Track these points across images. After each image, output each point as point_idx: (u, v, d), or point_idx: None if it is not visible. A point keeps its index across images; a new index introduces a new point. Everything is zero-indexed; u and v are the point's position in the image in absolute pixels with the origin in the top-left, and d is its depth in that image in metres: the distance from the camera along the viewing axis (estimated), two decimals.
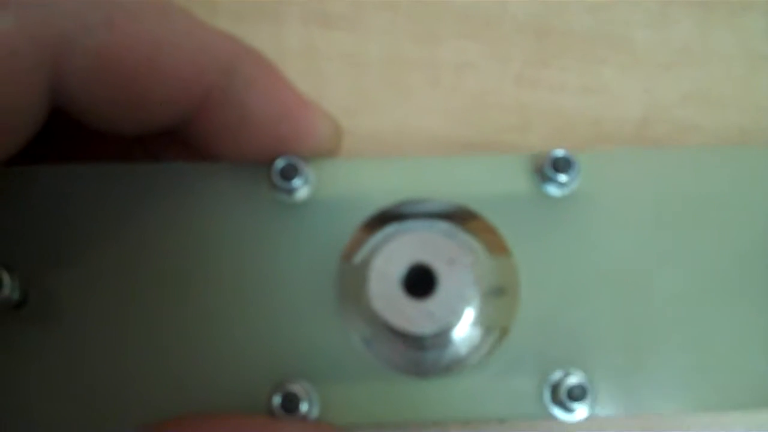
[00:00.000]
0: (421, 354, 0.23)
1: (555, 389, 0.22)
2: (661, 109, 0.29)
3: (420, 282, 0.21)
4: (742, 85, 0.29)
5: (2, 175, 0.23)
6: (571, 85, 0.29)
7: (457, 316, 0.20)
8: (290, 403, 0.22)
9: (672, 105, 0.29)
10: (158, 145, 0.25)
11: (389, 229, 0.23)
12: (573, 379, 0.22)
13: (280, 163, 0.23)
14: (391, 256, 0.21)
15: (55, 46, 0.19)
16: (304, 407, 0.22)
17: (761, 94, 0.28)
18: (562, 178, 0.23)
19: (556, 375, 0.22)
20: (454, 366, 0.23)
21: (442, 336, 0.22)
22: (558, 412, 0.22)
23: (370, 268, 0.21)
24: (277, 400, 0.22)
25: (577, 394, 0.22)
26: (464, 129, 0.30)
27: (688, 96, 0.29)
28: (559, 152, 0.23)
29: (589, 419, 0.22)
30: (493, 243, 0.23)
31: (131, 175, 0.23)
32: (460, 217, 0.23)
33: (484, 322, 0.23)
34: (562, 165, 0.23)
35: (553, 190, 0.23)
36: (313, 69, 0.30)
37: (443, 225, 0.23)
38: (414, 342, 0.22)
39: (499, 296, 0.23)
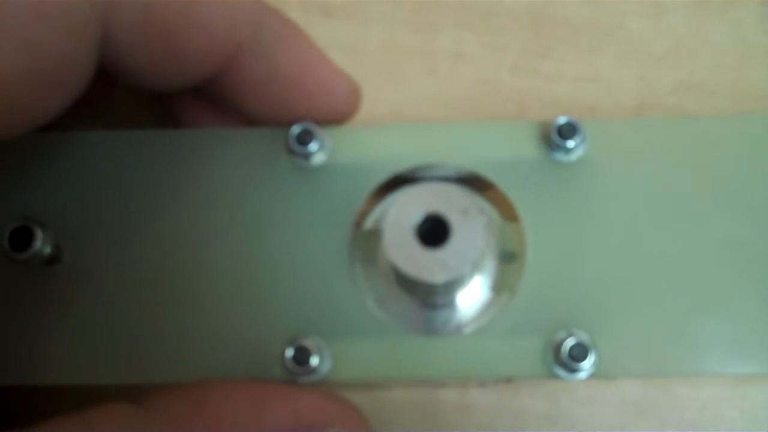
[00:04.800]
0: (431, 314, 0.23)
1: (557, 349, 0.23)
2: (655, 97, 0.29)
3: (434, 232, 0.21)
4: (734, 74, 0.29)
5: (39, 140, 0.24)
6: (567, 73, 0.30)
7: (469, 265, 0.21)
8: (302, 356, 0.22)
9: (666, 93, 0.29)
10: (185, 108, 0.26)
11: (399, 191, 0.24)
12: (574, 339, 0.22)
13: (296, 129, 0.24)
14: (406, 207, 0.21)
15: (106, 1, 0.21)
16: (314, 361, 0.22)
17: (753, 84, 0.29)
18: (570, 143, 0.23)
19: (560, 335, 0.23)
20: (462, 327, 0.23)
21: (453, 293, 0.22)
22: (561, 372, 0.23)
23: (385, 218, 0.21)
24: (289, 352, 0.22)
25: (577, 354, 0.22)
26: (461, 116, 0.30)
27: (681, 85, 0.29)
28: (563, 119, 0.23)
29: (592, 379, 0.23)
30: (504, 210, 0.24)
31: (158, 141, 0.24)
32: (471, 184, 0.24)
33: (494, 286, 0.24)
34: (567, 131, 0.23)
35: (560, 156, 0.24)
36: None
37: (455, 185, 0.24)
38: (426, 299, 0.23)
39: (510, 261, 0.24)
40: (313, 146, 0.24)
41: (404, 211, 0.21)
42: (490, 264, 0.24)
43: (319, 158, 0.24)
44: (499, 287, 0.24)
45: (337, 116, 0.24)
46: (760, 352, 0.23)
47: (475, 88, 0.30)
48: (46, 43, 0.20)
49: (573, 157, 0.24)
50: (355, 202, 0.24)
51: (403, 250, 0.21)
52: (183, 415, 0.20)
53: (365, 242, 0.24)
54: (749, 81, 0.29)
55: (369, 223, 0.24)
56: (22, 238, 0.23)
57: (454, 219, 0.21)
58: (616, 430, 0.26)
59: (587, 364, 0.22)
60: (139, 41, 0.21)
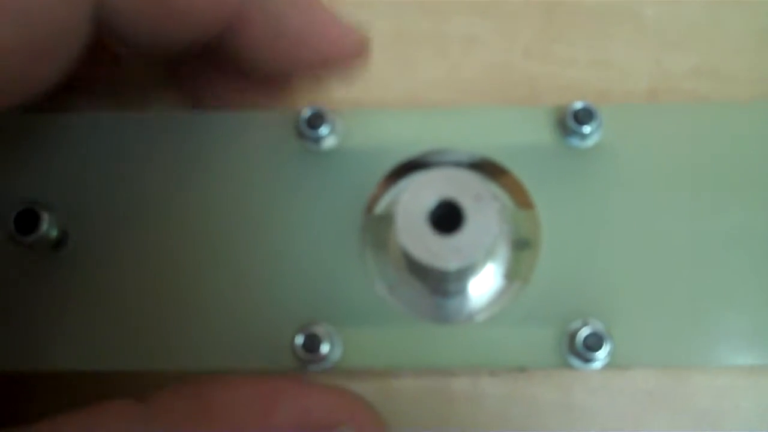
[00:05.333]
0: (443, 301, 0.23)
1: (572, 339, 0.22)
2: (669, 81, 0.29)
3: (447, 218, 0.20)
4: (750, 59, 0.29)
5: (48, 121, 0.24)
6: (579, 59, 0.29)
7: (482, 252, 0.20)
8: (312, 344, 0.22)
9: (680, 78, 0.29)
10: (191, 75, 0.26)
11: (412, 176, 0.24)
12: (590, 329, 0.22)
13: (307, 112, 0.23)
14: (419, 192, 0.20)
15: None
16: (325, 348, 0.22)
17: None
18: (585, 129, 0.23)
19: (575, 325, 0.22)
20: (474, 315, 0.23)
21: (465, 280, 0.22)
22: (575, 362, 0.22)
23: (397, 204, 0.20)
24: (299, 339, 0.22)
25: (592, 343, 0.22)
26: (472, 100, 0.29)
27: (696, 69, 0.29)
28: (579, 104, 0.23)
29: (606, 369, 0.22)
30: (518, 197, 0.24)
31: (167, 125, 0.24)
32: (484, 169, 0.24)
33: (507, 273, 0.23)
34: (583, 116, 0.23)
35: (575, 142, 0.23)
36: None
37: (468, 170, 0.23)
38: (437, 285, 0.23)
39: (523, 249, 0.23)
40: (323, 130, 0.23)
41: (417, 197, 0.20)
42: (503, 251, 0.23)
43: (329, 142, 0.24)
44: (512, 275, 0.23)
45: (347, 66, 0.24)
46: None
47: (487, 73, 0.30)
48: (41, 9, 0.19)
49: (589, 143, 0.23)
50: (367, 186, 0.24)
51: (415, 236, 0.20)
52: (189, 412, 0.20)
53: (376, 228, 0.24)
54: (765, 65, 0.29)
55: (380, 208, 0.24)
56: (28, 221, 0.23)
57: (467, 205, 0.20)
58: (629, 419, 0.26)
59: (602, 354, 0.22)
60: (137, 3, 0.21)
